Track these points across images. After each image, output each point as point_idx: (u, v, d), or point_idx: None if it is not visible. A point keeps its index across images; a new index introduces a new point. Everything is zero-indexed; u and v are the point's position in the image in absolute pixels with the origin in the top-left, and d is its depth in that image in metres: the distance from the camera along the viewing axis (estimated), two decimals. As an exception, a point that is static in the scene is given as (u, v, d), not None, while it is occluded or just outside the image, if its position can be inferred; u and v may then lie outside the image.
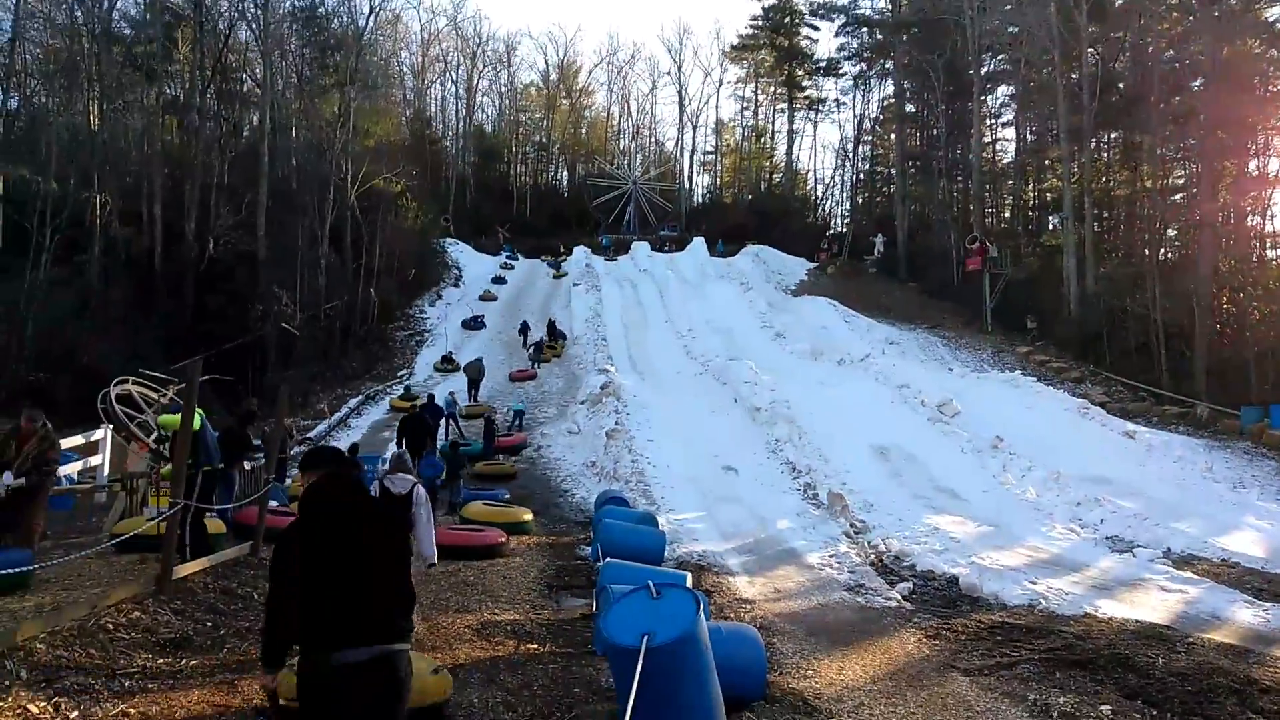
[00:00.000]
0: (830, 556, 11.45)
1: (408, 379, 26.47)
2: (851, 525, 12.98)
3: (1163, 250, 36.77)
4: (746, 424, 19.47)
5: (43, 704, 4.82)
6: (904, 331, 34.09)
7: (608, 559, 8.54)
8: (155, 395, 12.53)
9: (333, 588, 3.16)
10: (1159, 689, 5.97)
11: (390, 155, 39.36)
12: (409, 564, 3.41)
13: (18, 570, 6.47)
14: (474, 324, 34.34)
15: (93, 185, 28.71)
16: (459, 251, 45.27)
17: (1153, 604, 9.07)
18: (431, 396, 20.52)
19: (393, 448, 17.91)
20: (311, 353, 29.21)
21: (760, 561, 11.25)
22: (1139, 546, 11.91)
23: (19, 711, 4.67)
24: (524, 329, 31.00)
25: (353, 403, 24.12)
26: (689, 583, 7.36)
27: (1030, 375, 26.04)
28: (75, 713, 4.83)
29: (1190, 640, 7.46)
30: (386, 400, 24.56)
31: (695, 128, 70.47)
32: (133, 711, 4.94)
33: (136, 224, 30.26)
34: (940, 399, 19.81)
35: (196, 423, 7.84)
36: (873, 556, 11.46)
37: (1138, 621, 8.19)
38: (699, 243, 50.65)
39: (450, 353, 29.55)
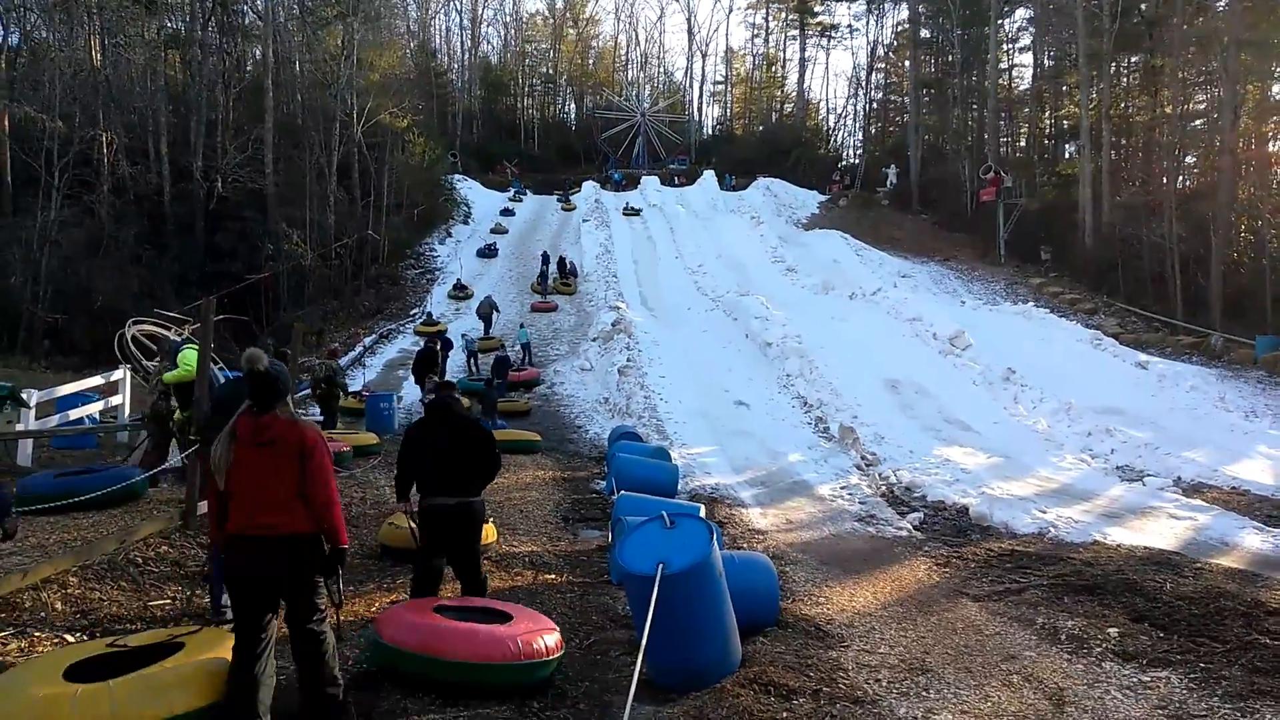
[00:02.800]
0: (841, 488, 11.58)
1: (420, 317, 26.57)
2: (862, 458, 13.08)
3: (1181, 178, 36.10)
4: (758, 359, 19.50)
5: (79, 635, 4.99)
6: (916, 264, 33.81)
7: (622, 492, 8.68)
8: (172, 335, 12.61)
9: (432, 463, 5.39)
10: (1166, 612, 6.08)
11: (395, 89, 38.73)
12: (478, 454, 5.47)
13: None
14: (488, 252, 35.18)
15: (98, 123, 28.43)
16: (468, 188, 44.89)
17: (1161, 531, 9.16)
18: (444, 331, 21.00)
19: (409, 384, 18.40)
20: (324, 291, 29.26)
21: (772, 494, 11.39)
22: (1149, 475, 11.97)
23: (56, 642, 4.84)
24: (545, 259, 31.03)
25: (367, 341, 24.26)
26: (702, 514, 7.47)
27: (1043, 307, 25.87)
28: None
29: (1198, 565, 7.55)
30: (400, 339, 24.76)
31: (705, 57, 69.17)
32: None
33: (144, 162, 30.05)
34: (952, 332, 19.74)
35: (194, 364, 7.88)
36: (883, 488, 11.58)
37: (1146, 548, 8.29)
38: (709, 176, 50.00)
39: (460, 279, 30.46)
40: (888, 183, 47.51)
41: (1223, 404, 16.68)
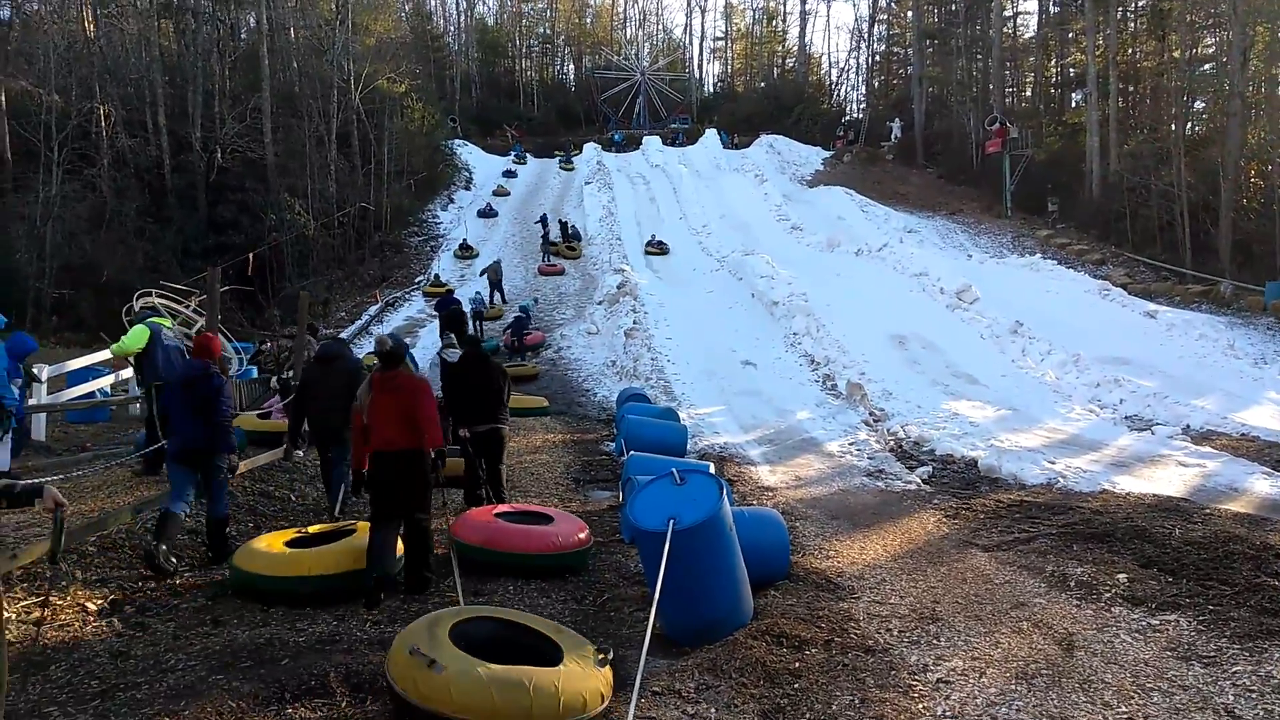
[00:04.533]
0: (850, 444, 11.61)
1: (425, 285, 26.58)
2: (870, 414, 13.11)
3: (1190, 125, 35.59)
4: (764, 318, 19.46)
5: (100, 602, 5.08)
6: (922, 219, 33.55)
7: (631, 452, 8.72)
8: (180, 307, 12.66)
9: (469, 398, 7.32)
10: (1175, 557, 6.11)
11: (392, 54, 38.29)
12: (500, 389, 7.49)
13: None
14: (489, 212, 35.48)
15: (95, 95, 28.22)
16: (468, 153, 44.56)
17: (1170, 479, 9.18)
18: (451, 291, 22.35)
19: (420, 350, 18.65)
20: (328, 260, 29.23)
21: (781, 451, 11.44)
22: (1158, 424, 11.97)
23: (78, 609, 4.93)
24: (543, 221, 31.00)
25: (373, 310, 24.29)
26: (711, 471, 7.51)
27: (1050, 258, 25.71)
28: (130, 608, 5.09)
29: (1207, 511, 7.57)
30: (406, 306, 24.81)
31: (704, 12, 68.55)
32: (184, 607, 5.19)
33: (142, 135, 29.86)
34: (959, 286, 19.65)
35: (145, 338, 7.96)
36: (892, 443, 11.61)
37: (1155, 495, 8.31)
38: (711, 135, 49.48)
39: (466, 240, 31.01)
40: (892, 137, 46.94)
41: (1232, 351, 16.61)
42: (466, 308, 20.73)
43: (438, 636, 3.78)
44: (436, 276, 27.08)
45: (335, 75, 33.21)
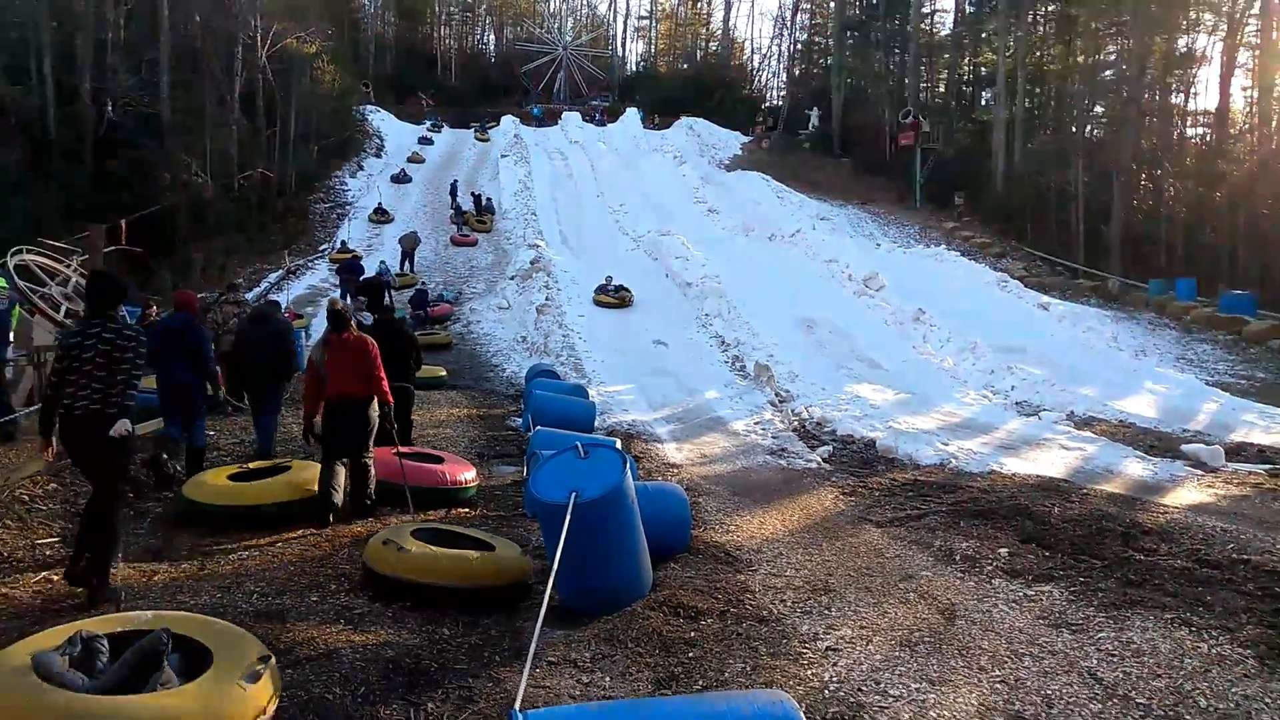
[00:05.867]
0: (755, 424, 11.80)
1: (332, 252, 25.76)
2: (777, 394, 13.33)
3: (1089, 128, 37.34)
4: (678, 299, 19.57)
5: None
6: (835, 207, 34.26)
7: (538, 427, 8.64)
8: (60, 266, 11.89)
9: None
10: (1052, 533, 6.42)
11: (302, 14, 36.72)
12: (408, 352, 8.26)
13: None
14: (402, 178, 34.92)
15: (-29, 39, 26.18)
16: (380, 119, 43.28)
17: (1053, 460, 9.64)
18: (357, 257, 22.61)
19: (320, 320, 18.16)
20: (227, 225, 27.92)
21: (688, 429, 11.54)
22: (1045, 410, 12.55)
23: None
24: (453, 189, 30.43)
25: (272, 277, 23.40)
26: (618, 447, 7.51)
27: (955, 250, 26.59)
28: (-4, 580, 4.79)
29: (1084, 491, 7.99)
30: (309, 275, 24.02)
31: (629, -10, 67.37)
32: (55, 578, 4.91)
33: (25, 83, 27.84)
34: (867, 274, 20.15)
35: None
36: (796, 423, 11.84)
37: (1038, 476, 8.72)
38: (632, 114, 49.32)
39: (381, 204, 30.61)
40: (810, 125, 47.70)
41: (1115, 343, 17.56)
42: (372, 272, 20.33)
43: (403, 533, 5.11)
44: (344, 244, 26.37)
45: (241, 31, 31.66)
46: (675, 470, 9.17)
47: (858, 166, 42.14)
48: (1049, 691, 3.94)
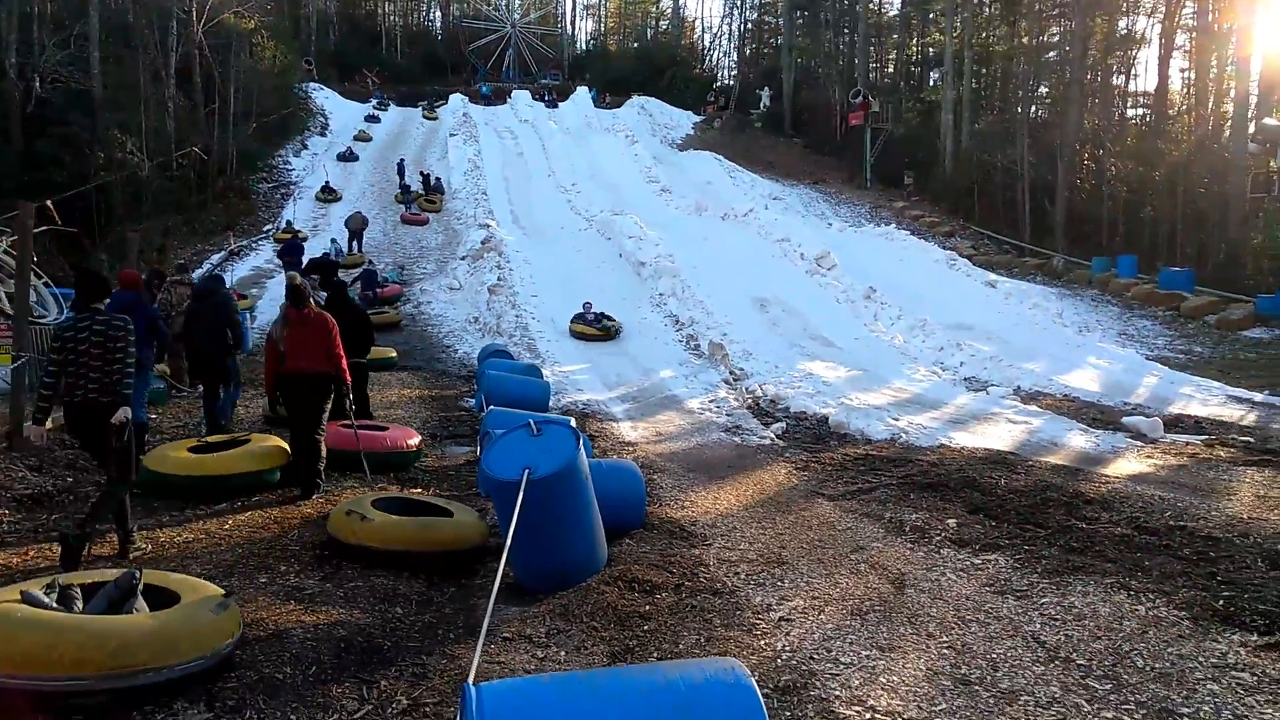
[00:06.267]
0: (710, 402, 11.86)
1: (276, 233, 25.14)
2: (731, 373, 13.41)
3: (1034, 108, 38.03)
4: (631, 278, 19.51)
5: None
6: (787, 187, 34.42)
7: (491, 407, 8.56)
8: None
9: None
10: (999, 504, 6.57)
11: (241, -13, 35.54)
12: (360, 330, 8.48)
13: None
14: (349, 156, 34.22)
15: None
16: (324, 97, 42.23)
17: (1000, 434, 9.86)
18: (303, 237, 22.22)
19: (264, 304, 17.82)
20: (165, 204, 27.02)
21: (643, 408, 11.55)
22: (992, 385, 12.82)
23: None
24: (400, 168, 29.88)
25: (215, 258, 22.77)
26: (572, 425, 7.47)
27: (905, 229, 26.93)
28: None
29: (1030, 463, 8.19)
30: (252, 256, 23.42)
31: (578, -33, 66.61)
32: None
33: (-55, 57, 26.57)
34: (818, 252, 20.29)
35: None
36: (749, 401, 11.93)
37: (986, 449, 8.91)
38: (583, 92, 48.86)
39: (329, 183, 29.97)
40: (761, 105, 47.78)
41: (1060, 320, 17.96)
42: (321, 253, 19.95)
43: (364, 504, 5.36)
44: (289, 223, 25.74)
45: (175, 5, 30.54)
46: (631, 448, 9.17)
47: (809, 146, 42.37)
48: (994, 655, 4.03)
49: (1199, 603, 4.50)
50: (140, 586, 3.67)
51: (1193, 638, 4.16)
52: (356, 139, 37.15)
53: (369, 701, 3.49)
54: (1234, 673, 3.80)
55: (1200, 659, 3.94)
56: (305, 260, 17.44)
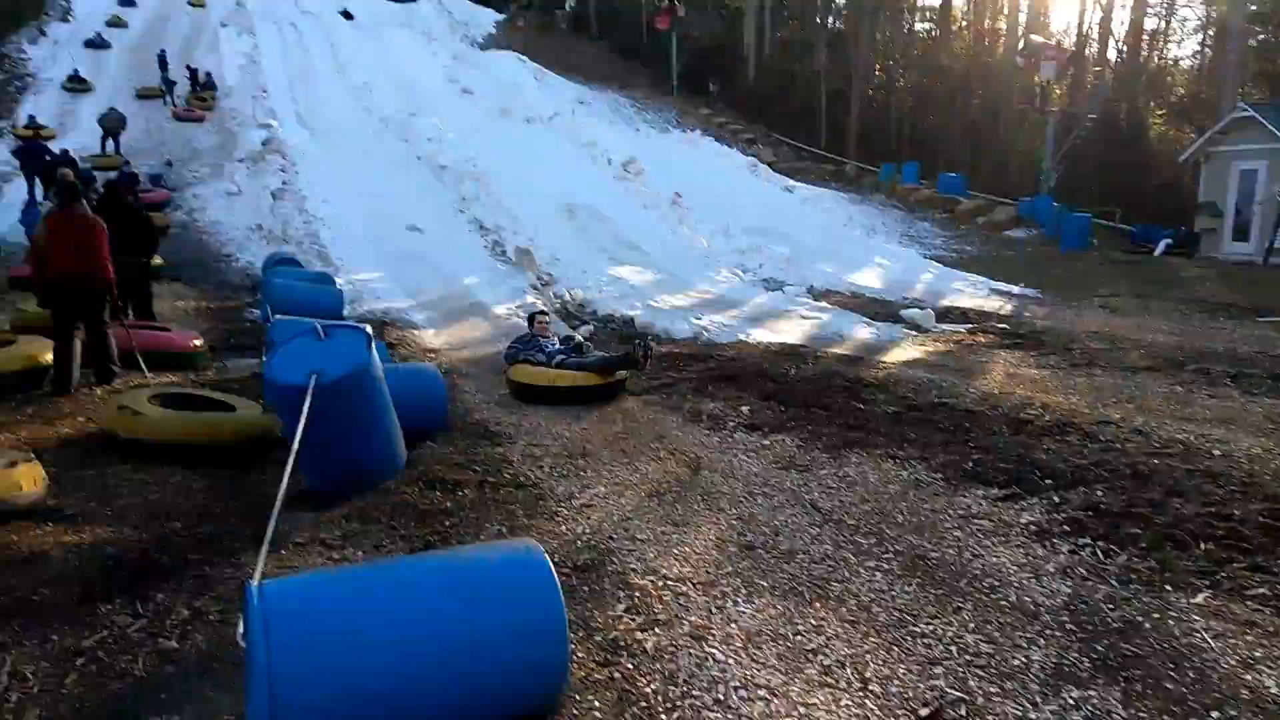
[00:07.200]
0: (517, 307, 11.72)
1: (17, 129, 21.88)
2: (539, 278, 13.30)
3: (830, 19, 39.33)
4: (431, 183, 18.70)
5: None
6: (594, 91, 33.90)
7: (278, 317, 8.02)
8: None
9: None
10: (788, 391, 7.00)
11: None
12: (138, 227, 8.92)
13: None
14: (99, 42, 30.38)
15: None
16: (67, -24, 36.67)
17: (793, 329, 10.45)
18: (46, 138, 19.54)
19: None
20: None
21: (446, 315, 11.26)
22: (788, 285, 13.51)
23: None
24: (162, 60, 26.63)
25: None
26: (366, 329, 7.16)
27: (709, 136, 27.38)
28: None
29: (818, 354, 8.76)
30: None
31: None
32: None
33: None
34: (626, 158, 20.29)
35: None
36: (558, 305, 11.93)
37: (780, 343, 9.43)
38: (376, -16, 45.30)
39: (78, 71, 26.62)
40: (566, 5, 46.37)
41: (851, 223, 19.13)
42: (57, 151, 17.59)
43: (138, 398, 5.37)
44: (31, 118, 22.47)
45: None
46: (433, 355, 8.98)
47: (615, 50, 41.75)
48: (776, 522, 4.34)
49: (952, 465, 5.05)
50: None
51: (945, 495, 4.66)
52: (109, 24, 32.62)
53: (144, 615, 3.27)
54: (976, 521, 4.31)
55: (950, 512, 4.43)
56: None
